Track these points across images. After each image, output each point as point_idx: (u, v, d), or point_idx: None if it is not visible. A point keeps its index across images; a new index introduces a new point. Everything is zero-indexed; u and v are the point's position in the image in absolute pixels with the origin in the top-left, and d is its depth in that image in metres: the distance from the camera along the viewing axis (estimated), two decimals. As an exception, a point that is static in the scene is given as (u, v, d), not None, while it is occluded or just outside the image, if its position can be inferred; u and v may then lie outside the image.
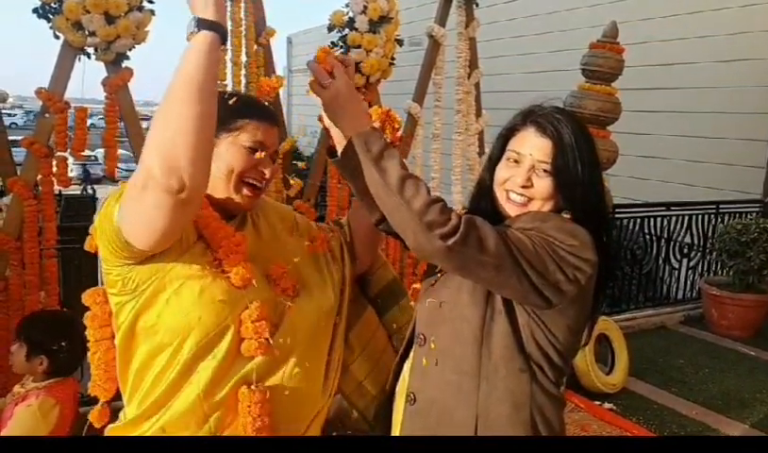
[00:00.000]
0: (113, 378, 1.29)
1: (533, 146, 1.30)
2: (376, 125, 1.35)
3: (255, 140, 1.25)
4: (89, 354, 1.31)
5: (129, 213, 1.09)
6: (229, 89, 3.22)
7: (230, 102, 1.26)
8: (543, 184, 1.29)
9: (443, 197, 1.24)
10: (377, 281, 1.58)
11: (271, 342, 1.21)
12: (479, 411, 1.26)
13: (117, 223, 1.10)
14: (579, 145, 1.28)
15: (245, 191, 1.26)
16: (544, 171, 1.28)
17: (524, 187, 1.30)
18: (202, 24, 1.05)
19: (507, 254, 1.17)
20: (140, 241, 1.10)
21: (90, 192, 12.91)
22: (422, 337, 1.36)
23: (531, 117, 1.32)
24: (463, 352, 1.28)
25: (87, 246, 1.29)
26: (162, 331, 1.17)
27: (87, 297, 1.29)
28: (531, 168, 1.29)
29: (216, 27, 1.06)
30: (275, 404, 1.22)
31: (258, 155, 1.26)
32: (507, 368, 1.26)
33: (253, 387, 1.19)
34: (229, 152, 1.24)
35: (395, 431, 1.41)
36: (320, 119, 1.49)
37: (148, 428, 1.21)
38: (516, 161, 1.32)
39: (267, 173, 1.28)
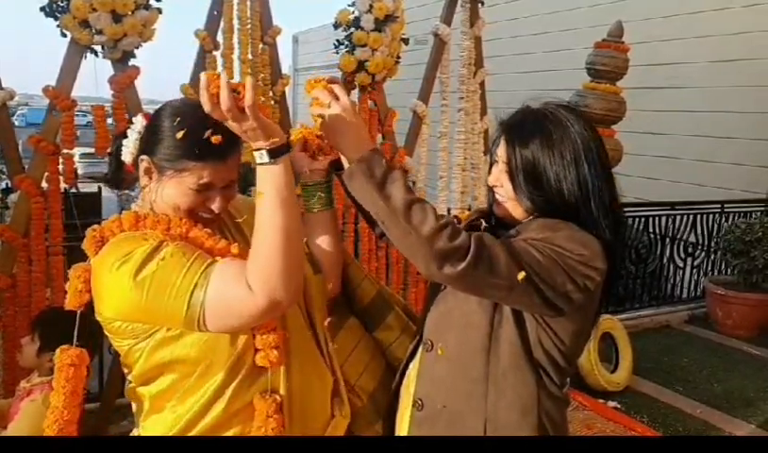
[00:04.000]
0: (74, 425, 1.27)
1: (500, 149, 1.33)
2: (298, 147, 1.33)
3: (201, 183, 1.17)
4: (56, 387, 1.27)
5: (227, 316, 1.10)
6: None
7: (178, 136, 1.14)
8: (507, 184, 1.31)
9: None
10: (362, 296, 1.53)
11: (282, 349, 1.20)
12: (488, 417, 1.27)
13: (201, 310, 1.09)
14: (545, 145, 1.25)
15: (197, 219, 1.22)
16: (507, 172, 1.30)
17: (495, 186, 1.34)
18: (275, 153, 1.09)
19: (518, 273, 1.17)
20: (217, 328, 1.12)
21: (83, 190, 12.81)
22: (429, 342, 1.36)
23: (503, 123, 1.35)
24: (471, 359, 1.28)
25: (69, 305, 1.22)
26: (181, 363, 1.16)
27: (60, 353, 1.27)
28: (501, 170, 1.32)
29: (287, 148, 1.11)
30: (289, 411, 1.22)
31: (203, 195, 1.20)
32: (515, 375, 1.27)
33: (267, 396, 1.19)
34: (174, 190, 1.18)
35: (400, 434, 1.41)
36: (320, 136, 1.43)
37: None
38: (495, 163, 1.35)
39: (215, 207, 1.21)
